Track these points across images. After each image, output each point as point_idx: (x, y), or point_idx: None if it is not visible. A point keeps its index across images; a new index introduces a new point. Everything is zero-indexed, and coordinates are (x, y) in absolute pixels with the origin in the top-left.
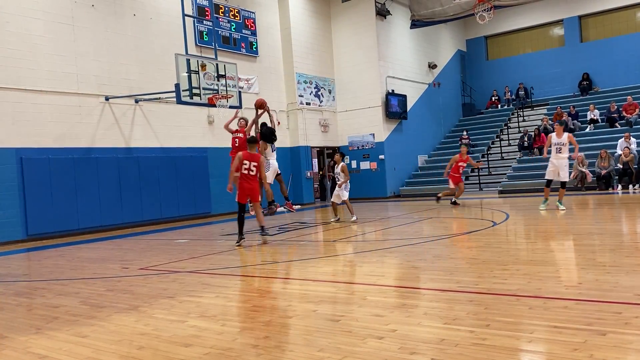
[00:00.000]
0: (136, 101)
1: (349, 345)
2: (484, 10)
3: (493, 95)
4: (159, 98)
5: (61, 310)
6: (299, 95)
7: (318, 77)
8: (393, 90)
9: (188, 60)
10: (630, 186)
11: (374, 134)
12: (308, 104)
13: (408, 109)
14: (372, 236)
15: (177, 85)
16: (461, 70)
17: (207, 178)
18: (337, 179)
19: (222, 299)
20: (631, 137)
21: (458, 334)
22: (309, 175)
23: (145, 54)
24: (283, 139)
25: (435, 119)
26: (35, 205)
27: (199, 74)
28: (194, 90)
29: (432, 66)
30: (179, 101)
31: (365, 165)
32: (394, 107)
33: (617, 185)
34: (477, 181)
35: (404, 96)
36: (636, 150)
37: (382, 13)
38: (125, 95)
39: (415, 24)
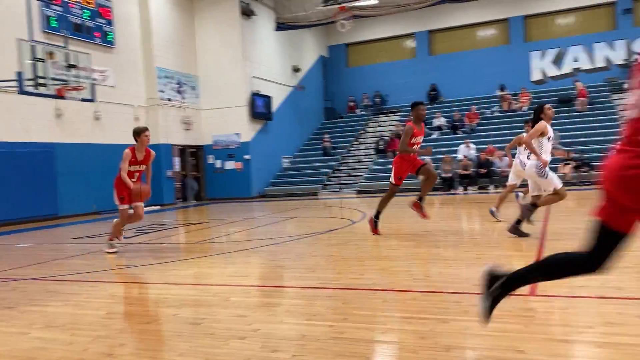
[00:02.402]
0: None
1: (211, 348)
2: (345, 18)
3: (350, 101)
4: None
5: None
6: (160, 91)
7: (181, 72)
8: (258, 91)
9: (33, 47)
10: (470, 188)
11: (239, 134)
12: (170, 100)
13: (273, 110)
14: (237, 237)
15: (19, 74)
16: (323, 75)
17: (54, 176)
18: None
19: (71, 307)
20: (470, 144)
21: (318, 329)
22: (169, 174)
23: None
24: None
25: (299, 121)
26: None
27: (46, 62)
28: (40, 80)
29: (296, 69)
30: (22, 91)
31: (230, 165)
32: (260, 108)
33: (459, 187)
34: (338, 182)
35: (269, 97)
36: (475, 155)
37: (247, 13)
38: None
39: (280, 26)
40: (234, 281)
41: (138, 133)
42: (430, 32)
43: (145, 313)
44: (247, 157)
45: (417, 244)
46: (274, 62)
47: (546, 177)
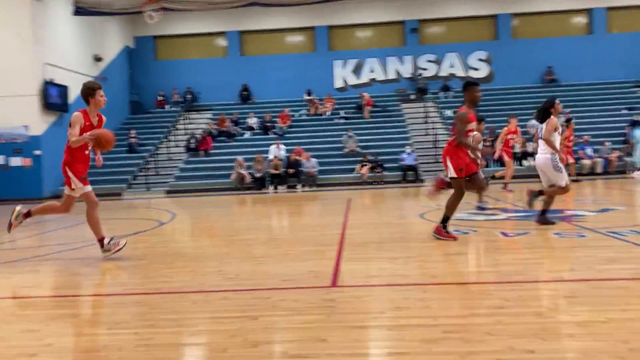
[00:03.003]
0: None
1: None
2: (153, 10)
3: (160, 95)
4: None
5: None
6: None
7: None
8: (52, 79)
9: None
10: (280, 187)
11: (28, 126)
12: None
13: (71, 102)
14: (26, 243)
15: None
16: (129, 67)
17: None
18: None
19: None
20: (281, 145)
21: (122, 338)
22: None
23: None
24: None
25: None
26: None
27: None
28: None
29: (97, 59)
30: None
31: (16, 161)
32: (54, 98)
33: (270, 186)
34: (145, 181)
35: (66, 87)
36: (285, 156)
37: None
38: None
39: (78, 10)
40: (21, 292)
41: (92, 90)
42: (242, 32)
43: None
44: (37, 152)
45: (228, 243)
46: (72, 49)
47: (561, 172)
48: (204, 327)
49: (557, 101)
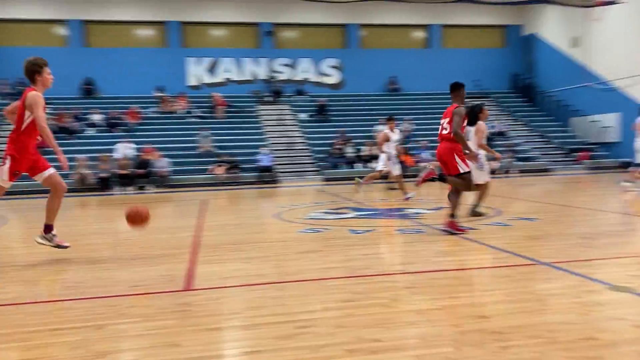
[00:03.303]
0: None
1: None
2: None
3: None
4: None
5: None
6: None
7: None
8: None
9: None
10: (128, 188)
11: None
12: None
13: None
14: None
15: None
16: None
17: None
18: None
19: None
20: (129, 143)
21: None
22: None
23: None
24: None
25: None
26: None
27: None
28: None
29: None
30: None
31: None
32: None
33: (116, 187)
34: None
35: None
36: (134, 155)
37: None
38: None
39: None
40: None
41: (38, 67)
42: (86, 22)
43: None
44: None
45: (70, 249)
46: None
47: (483, 170)
48: (42, 340)
49: (484, 107)
